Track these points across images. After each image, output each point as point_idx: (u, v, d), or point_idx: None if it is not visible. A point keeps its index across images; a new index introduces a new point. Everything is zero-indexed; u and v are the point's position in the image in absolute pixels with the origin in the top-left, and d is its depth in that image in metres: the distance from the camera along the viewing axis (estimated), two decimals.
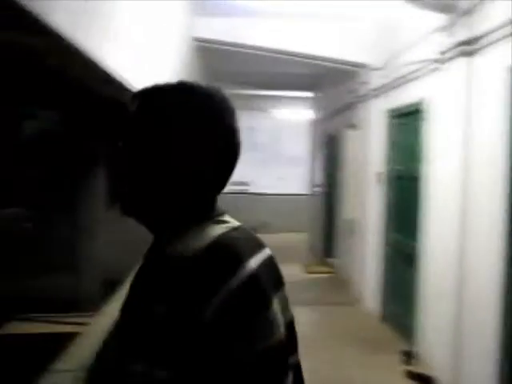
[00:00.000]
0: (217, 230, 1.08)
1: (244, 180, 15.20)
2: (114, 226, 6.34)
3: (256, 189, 15.15)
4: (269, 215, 14.20)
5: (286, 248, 12.00)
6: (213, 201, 1.17)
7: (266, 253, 1.19)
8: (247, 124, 15.42)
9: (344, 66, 8.25)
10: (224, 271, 0.99)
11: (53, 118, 2.70)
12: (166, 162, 1.05)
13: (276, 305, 1.07)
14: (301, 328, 5.35)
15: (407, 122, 6.33)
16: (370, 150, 7.57)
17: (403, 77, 6.25)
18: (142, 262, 1.17)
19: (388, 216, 6.88)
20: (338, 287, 8.67)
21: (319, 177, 11.38)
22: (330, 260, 10.16)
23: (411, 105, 6.09)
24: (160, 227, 1.11)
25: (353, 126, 8.53)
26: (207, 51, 7.79)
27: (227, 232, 1.09)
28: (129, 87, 3.53)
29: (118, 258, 5.27)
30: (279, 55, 8.09)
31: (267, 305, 1.04)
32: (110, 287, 6.67)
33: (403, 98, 6.35)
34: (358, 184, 8.07)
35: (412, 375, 5.05)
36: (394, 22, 6.69)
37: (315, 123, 12.22)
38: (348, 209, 8.85)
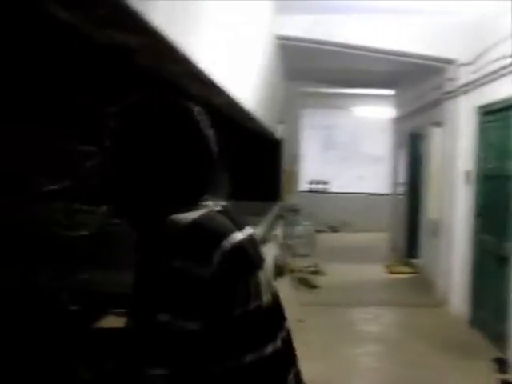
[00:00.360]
0: (203, 210, 1.18)
1: (323, 179, 15.08)
2: None
3: (336, 188, 14.99)
4: (349, 214, 14.01)
5: (366, 248, 11.82)
6: (197, 193, 1.25)
7: (248, 231, 1.29)
8: (327, 122, 15.29)
9: (429, 62, 8.02)
10: (218, 235, 1.13)
11: None
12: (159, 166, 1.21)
13: (261, 276, 1.21)
14: (383, 329, 5.21)
15: (499, 119, 6.07)
16: (457, 148, 7.32)
17: (495, 72, 6.00)
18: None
19: (477, 216, 6.62)
20: (422, 289, 8.44)
21: (402, 176, 11.13)
22: (412, 260, 9.91)
23: (503, 101, 5.83)
24: (149, 219, 1.21)
25: (438, 124, 8.27)
26: (288, 49, 7.75)
27: (207, 212, 1.19)
28: (219, 85, 3.55)
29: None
30: (361, 52, 7.95)
31: (254, 271, 1.18)
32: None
33: (494, 94, 6.09)
34: (444, 183, 7.82)
35: None
36: (484, 16, 6.43)
37: (397, 121, 11.97)
38: (433, 208, 8.60)
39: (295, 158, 12.11)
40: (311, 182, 14.92)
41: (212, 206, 1.26)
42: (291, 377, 1.24)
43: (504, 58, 5.61)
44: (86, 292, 3.57)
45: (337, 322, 6.69)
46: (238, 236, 1.19)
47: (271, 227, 7.11)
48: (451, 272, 7.46)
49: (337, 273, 9.21)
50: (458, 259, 7.21)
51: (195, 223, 1.17)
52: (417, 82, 9.69)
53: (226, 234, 1.15)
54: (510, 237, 5.49)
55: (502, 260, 5.71)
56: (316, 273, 8.94)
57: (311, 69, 10.30)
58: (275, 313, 1.24)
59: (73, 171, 2.80)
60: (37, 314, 3.57)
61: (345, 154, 15.29)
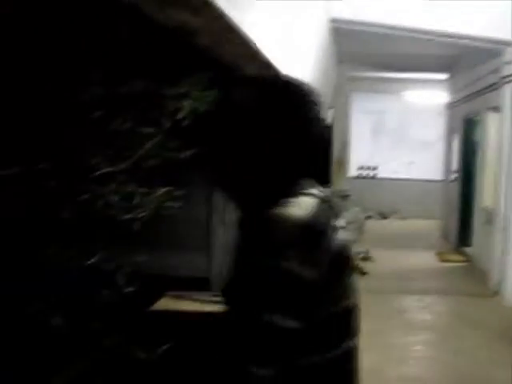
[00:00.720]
0: (310, 201, 1.14)
1: (372, 165, 14.87)
2: None
3: (385, 174, 14.77)
4: (398, 201, 13.80)
5: (416, 235, 11.63)
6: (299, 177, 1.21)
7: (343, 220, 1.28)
8: (377, 107, 15.04)
9: (486, 45, 7.76)
10: (328, 234, 1.11)
11: (206, 98, 2.72)
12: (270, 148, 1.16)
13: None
14: (436, 317, 5.05)
15: None
16: None
17: None
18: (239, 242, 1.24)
19: None
20: (474, 278, 8.24)
21: (454, 162, 10.86)
22: (464, 249, 9.69)
23: None
24: (253, 202, 1.17)
25: (495, 109, 8.01)
26: (340, 32, 7.62)
27: (315, 206, 1.15)
28: (275, 68, 3.50)
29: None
30: (414, 34, 7.76)
31: (351, 269, 1.21)
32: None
33: None
34: (501, 170, 7.58)
35: None
36: None
37: (450, 106, 11.67)
38: (487, 196, 8.36)
39: (344, 144, 11.97)
40: (360, 168, 14.74)
41: (316, 193, 1.22)
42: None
43: None
44: (143, 274, 3.59)
45: (388, 309, 6.60)
46: (343, 234, 1.18)
47: None
48: (506, 262, 7.25)
49: (386, 260, 9.09)
50: None
51: (306, 223, 1.11)
52: (472, 65, 9.40)
53: (333, 233, 1.14)
54: None
55: None
56: (366, 259, 8.84)
57: (362, 53, 10.12)
58: (349, 317, 1.23)
59: (130, 152, 2.79)
60: (94, 295, 3.61)
61: (395, 139, 15.02)
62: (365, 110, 14.82)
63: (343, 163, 11.74)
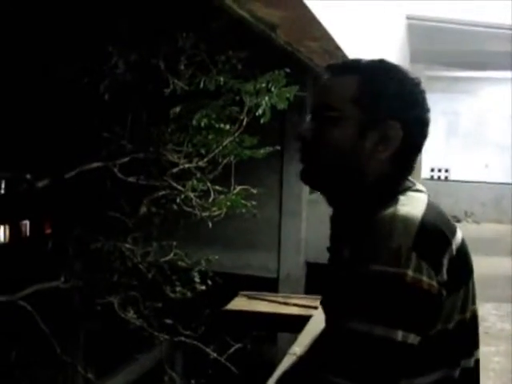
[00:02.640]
0: (422, 197, 1.01)
1: (444, 166, 14.45)
2: (317, 208, 6.35)
3: (458, 176, 14.31)
4: (471, 204, 13.33)
5: (491, 239, 11.17)
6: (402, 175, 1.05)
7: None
8: (450, 108, 14.61)
9: None
10: (447, 236, 0.97)
11: (286, 94, 2.68)
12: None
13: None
14: None
15: None
16: None
17: None
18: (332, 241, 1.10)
19: None
20: None
21: None
22: None
23: None
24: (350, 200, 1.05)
25: None
26: (415, 29, 7.42)
27: (429, 204, 1.02)
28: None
29: (320, 240, 5.20)
30: (494, 30, 7.48)
31: (472, 273, 1.05)
32: (312, 268, 6.71)
33: None
34: None
35: None
36: None
37: None
38: None
39: None
40: (432, 169, 14.35)
41: (423, 189, 1.09)
42: None
43: None
44: (216, 273, 3.59)
45: None
46: (460, 235, 1.04)
47: None
48: None
49: None
50: None
51: (424, 224, 0.98)
52: None
53: (452, 233, 1.00)
54: None
55: None
56: None
57: (437, 51, 9.83)
58: (475, 326, 1.09)
59: (207, 149, 2.78)
60: (165, 290, 3.64)
61: (468, 140, 14.55)
62: (439, 110, 14.42)
63: (417, 164, 11.45)
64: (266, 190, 5.46)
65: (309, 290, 5.65)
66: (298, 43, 2.87)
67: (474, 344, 1.03)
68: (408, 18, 6.74)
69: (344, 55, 3.22)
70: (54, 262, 3.45)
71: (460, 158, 14.65)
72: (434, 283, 0.93)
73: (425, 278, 0.93)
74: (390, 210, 0.96)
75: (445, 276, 0.94)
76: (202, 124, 2.63)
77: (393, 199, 0.99)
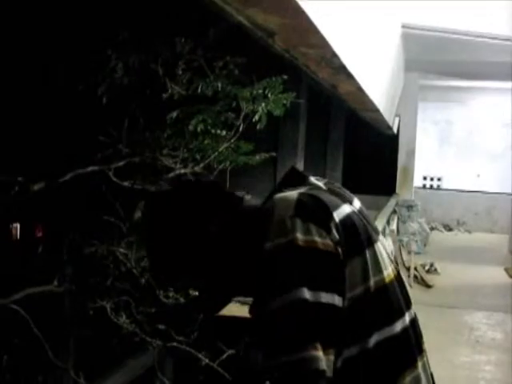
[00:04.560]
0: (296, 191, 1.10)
1: (437, 175, 14.51)
2: None
3: (450, 185, 14.37)
4: (464, 213, 13.40)
5: (483, 249, 11.23)
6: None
7: (357, 205, 1.20)
8: (443, 116, 14.69)
9: None
10: (327, 206, 1.04)
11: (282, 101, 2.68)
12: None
13: (381, 247, 1.10)
14: (507, 337, 4.78)
15: None
16: None
17: None
18: None
19: None
20: None
21: None
22: None
23: None
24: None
25: None
26: (409, 39, 7.45)
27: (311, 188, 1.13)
28: (349, 72, 3.43)
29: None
30: (488, 40, 7.52)
31: (371, 242, 1.07)
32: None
33: None
34: None
35: None
36: None
37: None
38: None
39: (410, 153, 11.71)
40: (425, 178, 14.41)
41: (315, 185, 1.18)
42: (420, 368, 1.09)
43: None
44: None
45: (455, 325, 6.36)
46: (346, 209, 1.08)
47: (388, 222, 6.90)
48: None
49: (452, 273, 8.80)
50: None
51: (302, 197, 1.05)
52: None
53: (333, 206, 1.05)
54: None
55: None
56: (431, 272, 8.59)
57: (430, 60, 9.87)
58: (399, 288, 1.12)
59: (203, 154, 2.78)
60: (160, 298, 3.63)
61: (461, 149, 14.62)
62: (431, 119, 14.48)
63: (409, 173, 11.48)
64: (260, 197, 5.46)
65: None
66: (295, 50, 2.88)
67: (388, 314, 1.06)
68: (403, 26, 6.76)
69: (340, 62, 3.24)
70: (46, 265, 3.43)
71: (452, 166, 14.73)
72: (329, 241, 0.98)
73: (317, 238, 1.00)
74: (273, 198, 1.06)
75: (336, 236, 0.98)
76: (199, 129, 2.63)
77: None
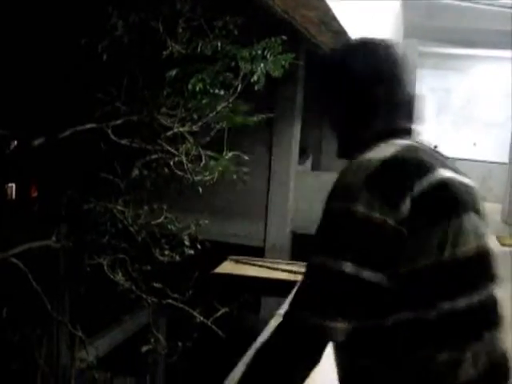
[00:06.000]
0: (399, 144, 1.03)
1: (432, 143, 14.47)
2: (305, 179, 6.38)
3: (445, 153, 14.36)
4: None
5: None
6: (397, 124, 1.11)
7: (467, 179, 1.11)
8: (440, 85, 14.60)
9: None
10: (411, 174, 0.98)
11: (281, 62, 2.68)
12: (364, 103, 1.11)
13: (472, 221, 1.02)
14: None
15: None
16: None
17: None
18: None
19: None
20: None
21: None
22: None
23: None
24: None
25: None
26: (409, 4, 7.41)
27: (405, 147, 1.04)
28: (349, 37, 3.42)
29: (308, 211, 5.23)
30: (489, 7, 7.47)
31: (459, 213, 1.00)
32: (298, 239, 6.76)
33: None
34: None
35: None
36: None
37: None
38: None
39: None
40: None
41: (406, 142, 1.11)
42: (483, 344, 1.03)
43: None
44: (204, 240, 3.62)
45: None
46: (443, 173, 1.02)
47: None
48: None
49: None
50: None
51: (384, 163, 1.00)
52: None
53: (421, 172, 0.99)
54: None
55: None
56: None
57: (432, 26, 9.78)
58: (476, 267, 1.04)
59: (201, 114, 2.79)
60: (154, 252, 3.67)
61: (459, 118, 14.58)
62: (429, 87, 14.40)
63: None
64: (256, 159, 5.48)
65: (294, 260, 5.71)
66: (295, 12, 2.87)
67: (470, 284, 1.01)
68: None
69: (339, 26, 3.23)
70: (42, 222, 3.47)
71: (451, 135, 14.70)
72: (389, 219, 0.94)
73: (376, 214, 0.94)
74: (360, 156, 1.04)
75: (404, 213, 0.95)
76: (197, 88, 2.64)
77: (372, 147, 1.06)
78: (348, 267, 0.96)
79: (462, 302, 1.00)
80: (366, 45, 1.20)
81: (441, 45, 11.47)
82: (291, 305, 1.03)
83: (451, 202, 1.01)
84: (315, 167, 8.38)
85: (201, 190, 3.18)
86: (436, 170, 1.02)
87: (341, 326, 0.98)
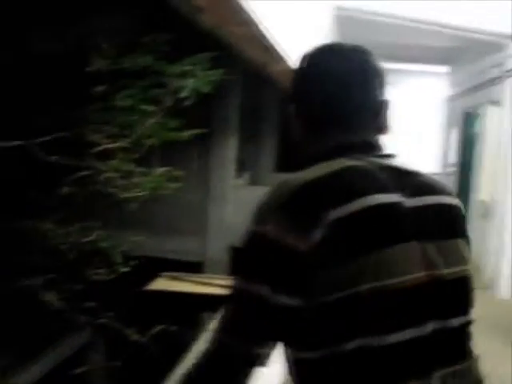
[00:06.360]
0: (338, 164, 1.01)
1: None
2: (242, 193, 6.39)
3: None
4: None
5: None
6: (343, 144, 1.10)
7: (433, 199, 1.09)
8: None
9: (489, 38, 7.73)
10: (330, 200, 0.93)
11: (210, 78, 2.69)
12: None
13: (413, 250, 0.95)
14: None
15: None
16: None
17: None
18: None
19: None
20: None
21: (452, 155, 10.85)
22: None
23: None
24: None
25: (495, 103, 8.00)
26: (341, 20, 7.56)
27: (349, 166, 1.00)
28: (279, 52, 3.46)
29: (243, 224, 5.22)
30: (418, 25, 7.72)
31: (385, 243, 0.92)
32: (237, 253, 6.76)
33: None
34: (499, 163, 7.58)
35: None
36: None
37: (449, 99, 11.64)
38: (484, 190, 8.36)
39: None
40: None
41: (365, 160, 1.06)
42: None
43: None
44: (140, 257, 3.57)
45: None
46: (376, 199, 0.94)
47: None
48: (502, 255, 7.27)
49: None
50: (510, 241, 7.02)
51: (304, 186, 0.97)
52: (474, 58, 9.37)
53: (342, 198, 0.93)
54: None
55: None
56: None
57: (362, 42, 10.03)
58: (414, 299, 0.97)
59: (131, 130, 2.76)
60: (87, 273, 3.59)
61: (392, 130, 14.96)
62: None
63: None
64: (193, 174, 5.45)
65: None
66: (222, 28, 2.88)
67: (381, 322, 0.92)
68: (336, 8, 6.85)
69: (268, 42, 3.26)
70: None
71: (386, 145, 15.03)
72: (300, 245, 0.90)
73: (287, 238, 0.91)
74: (292, 175, 1.03)
75: (316, 240, 0.90)
76: (127, 104, 2.61)
77: (311, 166, 1.06)
78: (264, 290, 0.95)
79: (389, 339, 0.92)
80: (302, 58, 1.21)
81: (379, 60, 11.76)
82: (216, 330, 1.02)
83: (375, 231, 0.93)
84: (254, 181, 8.42)
85: (136, 206, 3.13)
86: (367, 196, 0.95)
87: (264, 351, 0.98)
